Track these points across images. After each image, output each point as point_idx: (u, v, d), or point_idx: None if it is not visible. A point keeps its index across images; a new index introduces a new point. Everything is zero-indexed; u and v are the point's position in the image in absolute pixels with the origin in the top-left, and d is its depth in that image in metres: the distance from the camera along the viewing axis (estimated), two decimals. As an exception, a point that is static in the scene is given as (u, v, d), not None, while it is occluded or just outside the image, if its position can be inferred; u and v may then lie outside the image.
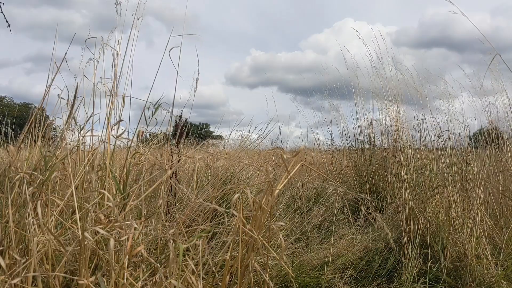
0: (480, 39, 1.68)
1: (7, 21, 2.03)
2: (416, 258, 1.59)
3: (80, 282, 0.88)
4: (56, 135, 1.40)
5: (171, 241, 1.01)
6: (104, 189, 1.11)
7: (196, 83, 1.60)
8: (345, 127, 3.08)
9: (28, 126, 1.18)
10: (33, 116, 1.19)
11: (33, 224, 0.98)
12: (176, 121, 1.76)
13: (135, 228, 0.96)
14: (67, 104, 1.18)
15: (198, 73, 1.62)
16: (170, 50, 1.26)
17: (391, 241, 1.33)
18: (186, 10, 1.48)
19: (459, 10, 1.67)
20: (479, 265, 1.48)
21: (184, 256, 0.94)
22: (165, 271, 0.95)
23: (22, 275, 0.90)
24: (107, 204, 1.03)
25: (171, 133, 1.86)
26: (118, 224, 0.97)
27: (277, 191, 0.96)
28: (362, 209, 1.87)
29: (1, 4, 2.06)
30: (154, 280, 0.96)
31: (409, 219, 1.74)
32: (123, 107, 1.23)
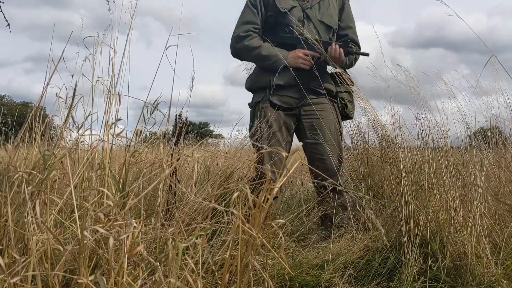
0: (478, 40, 1.68)
1: (6, 20, 2.03)
2: (416, 257, 1.59)
3: (79, 281, 0.88)
4: (55, 134, 1.40)
5: (171, 240, 1.01)
6: (104, 188, 1.11)
7: (192, 82, 1.62)
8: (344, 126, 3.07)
9: (26, 125, 1.17)
10: (32, 115, 1.19)
11: (32, 223, 0.98)
12: (175, 120, 1.76)
13: (134, 227, 0.96)
14: (65, 102, 1.18)
15: (194, 72, 1.64)
16: (167, 48, 1.25)
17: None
18: (181, 10, 1.48)
19: (454, 12, 1.66)
20: (479, 264, 1.47)
21: (183, 255, 0.94)
22: (165, 270, 0.95)
23: (22, 274, 0.90)
24: (106, 203, 1.03)
25: (170, 132, 1.86)
26: (118, 223, 0.97)
27: (276, 189, 0.96)
28: (359, 208, 1.87)
29: (1, 4, 2.06)
30: (153, 279, 0.96)
31: (408, 218, 1.74)
32: (120, 105, 1.23)
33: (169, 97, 1.47)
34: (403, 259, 1.61)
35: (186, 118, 1.77)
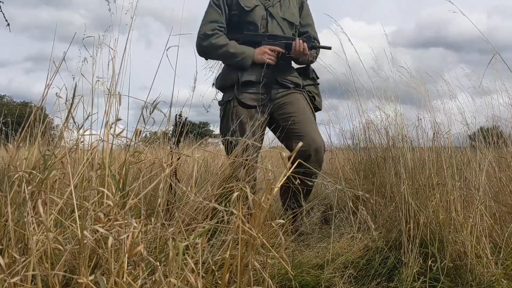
0: (478, 39, 1.68)
1: (6, 20, 2.03)
2: (416, 257, 1.59)
3: (79, 280, 0.88)
4: (55, 134, 1.40)
5: (171, 239, 1.01)
6: (104, 188, 1.11)
7: (194, 82, 1.64)
8: (343, 126, 3.07)
9: (25, 124, 1.17)
10: (32, 115, 1.19)
11: (32, 223, 0.98)
12: (175, 120, 1.77)
13: (134, 227, 0.96)
14: (65, 103, 1.18)
15: (196, 73, 1.66)
16: (168, 49, 1.25)
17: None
18: (182, 10, 1.48)
19: (459, 9, 1.67)
20: (479, 264, 1.47)
21: (183, 254, 0.94)
22: (165, 270, 0.95)
23: (22, 273, 0.90)
24: (106, 203, 1.03)
25: (170, 132, 1.87)
26: (118, 222, 0.97)
27: (276, 189, 0.96)
28: (356, 208, 1.87)
29: (1, 4, 2.06)
30: (153, 279, 0.96)
31: (409, 218, 1.74)
32: (120, 105, 1.23)
33: (169, 97, 1.48)
34: (403, 259, 1.61)
35: (186, 118, 1.77)
